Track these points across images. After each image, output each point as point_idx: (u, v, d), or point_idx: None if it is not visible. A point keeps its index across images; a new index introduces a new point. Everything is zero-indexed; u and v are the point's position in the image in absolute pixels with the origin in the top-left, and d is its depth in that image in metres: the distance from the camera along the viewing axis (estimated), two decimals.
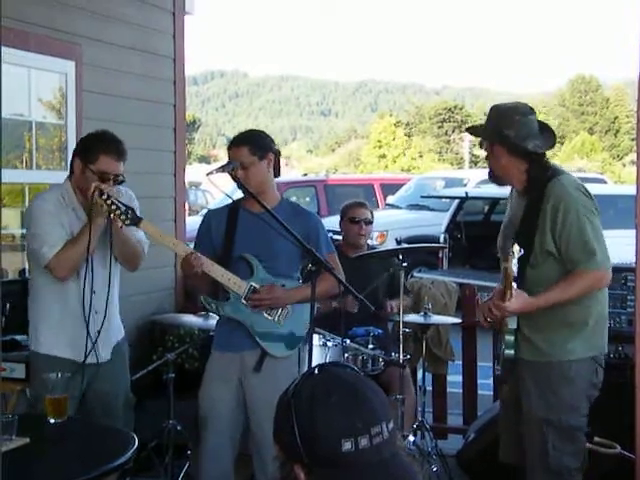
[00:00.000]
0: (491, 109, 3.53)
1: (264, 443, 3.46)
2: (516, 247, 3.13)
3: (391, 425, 1.58)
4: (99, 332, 3.51)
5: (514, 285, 3.21)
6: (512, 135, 3.38)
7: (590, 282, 3.28)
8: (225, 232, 3.63)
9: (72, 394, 3.37)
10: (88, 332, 3.49)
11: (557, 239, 3.28)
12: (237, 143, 3.63)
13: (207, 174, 3.51)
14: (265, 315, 3.60)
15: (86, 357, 3.48)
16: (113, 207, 3.39)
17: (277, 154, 3.67)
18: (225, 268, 3.55)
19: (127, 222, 3.42)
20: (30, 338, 3.69)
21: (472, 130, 3.76)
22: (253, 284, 3.57)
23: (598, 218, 3.33)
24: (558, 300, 3.27)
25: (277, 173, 3.70)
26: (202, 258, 3.50)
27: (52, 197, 3.63)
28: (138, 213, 3.52)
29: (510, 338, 3.33)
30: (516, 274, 3.21)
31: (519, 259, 3.20)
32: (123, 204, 3.43)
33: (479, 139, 3.60)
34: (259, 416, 3.54)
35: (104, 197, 3.40)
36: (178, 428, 4.43)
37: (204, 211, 13.55)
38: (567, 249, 3.27)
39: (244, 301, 3.57)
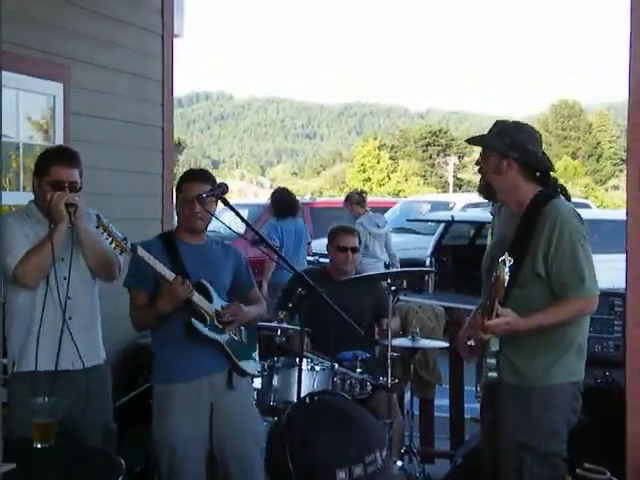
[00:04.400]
0: (502, 123, 3.40)
1: (244, 474, 3.62)
2: (507, 256, 2.99)
3: (385, 453, 1.56)
4: (72, 336, 3.49)
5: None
6: (536, 152, 3.33)
7: (577, 309, 3.26)
8: (172, 263, 3.62)
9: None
10: (37, 336, 3.49)
11: (549, 262, 3.24)
12: (201, 180, 3.70)
13: (198, 197, 3.58)
14: (232, 335, 3.73)
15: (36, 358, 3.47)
16: (113, 236, 3.46)
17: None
18: None
19: (126, 249, 3.47)
20: (9, 360, 3.63)
21: (478, 140, 3.47)
22: (216, 308, 3.68)
23: (588, 244, 3.31)
24: (545, 325, 3.23)
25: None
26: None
27: (15, 214, 3.76)
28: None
29: (492, 361, 3.24)
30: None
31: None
32: (117, 233, 3.50)
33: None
34: (235, 443, 3.63)
35: (101, 229, 3.47)
36: None
37: None
38: (559, 273, 3.23)
39: (217, 323, 3.66)
